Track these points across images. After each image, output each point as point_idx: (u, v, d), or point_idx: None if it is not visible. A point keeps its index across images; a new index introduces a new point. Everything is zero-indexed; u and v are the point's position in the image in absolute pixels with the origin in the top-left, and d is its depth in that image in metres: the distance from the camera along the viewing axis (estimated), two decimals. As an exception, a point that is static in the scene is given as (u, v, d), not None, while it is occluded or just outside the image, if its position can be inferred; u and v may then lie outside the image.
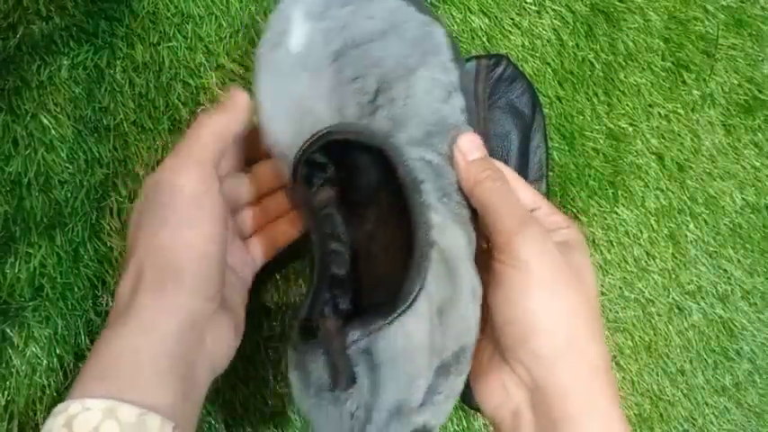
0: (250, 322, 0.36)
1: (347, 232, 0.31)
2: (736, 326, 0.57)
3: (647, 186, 0.55)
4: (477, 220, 0.30)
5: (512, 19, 0.52)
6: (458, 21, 0.51)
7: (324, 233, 0.30)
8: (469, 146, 0.29)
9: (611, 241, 0.53)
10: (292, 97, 0.30)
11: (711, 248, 0.56)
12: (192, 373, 0.29)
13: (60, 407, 0.26)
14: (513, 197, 0.29)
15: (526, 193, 0.31)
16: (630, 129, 0.54)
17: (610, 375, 0.26)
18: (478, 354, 0.30)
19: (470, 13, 0.51)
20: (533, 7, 0.53)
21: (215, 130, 0.31)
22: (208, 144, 0.31)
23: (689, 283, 0.55)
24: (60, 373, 0.39)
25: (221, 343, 0.31)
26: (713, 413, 0.55)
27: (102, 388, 0.26)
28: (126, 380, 0.26)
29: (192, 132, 0.31)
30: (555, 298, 0.26)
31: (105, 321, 0.30)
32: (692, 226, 0.56)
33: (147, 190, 0.31)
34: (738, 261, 0.57)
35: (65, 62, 0.42)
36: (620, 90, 0.55)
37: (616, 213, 0.53)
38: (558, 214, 0.32)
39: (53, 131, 0.41)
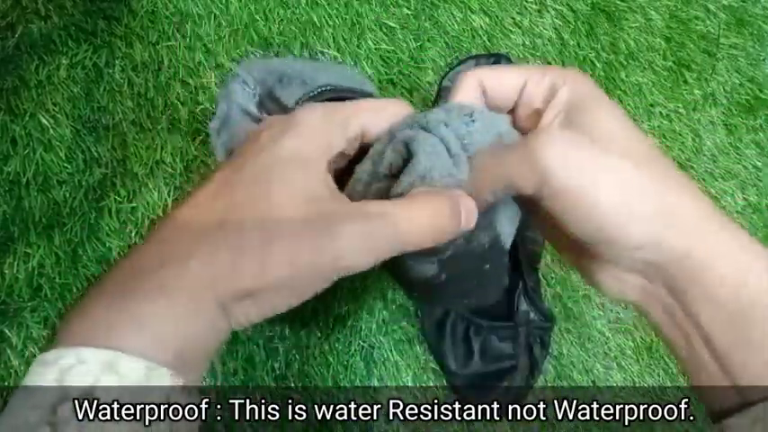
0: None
1: None
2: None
3: (649, 186, 0.54)
4: None
5: (512, 18, 0.52)
6: (458, 20, 0.51)
7: None
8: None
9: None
10: None
11: (713, 248, 0.56)
12: None
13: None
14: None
15: (510, 76, 0.26)
16: (631, 128, 0.54)
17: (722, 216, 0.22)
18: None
19: (471, 12, 0.51)
20: (534, 6, 0.53)
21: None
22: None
23: (690, 284, 0.55)
24: (59, 374, 0.39)
25: None
26: (715, 414, 0.55)
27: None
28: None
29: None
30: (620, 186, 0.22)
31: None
32: (693, 226, 0.55)
33: None
34: (740, 261, 0.57)
35: (63, 61, 0.42)
36: (621, 89, 0.54)
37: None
38: (548, 72, 0.26)
39: (51, 131, 0.41)
